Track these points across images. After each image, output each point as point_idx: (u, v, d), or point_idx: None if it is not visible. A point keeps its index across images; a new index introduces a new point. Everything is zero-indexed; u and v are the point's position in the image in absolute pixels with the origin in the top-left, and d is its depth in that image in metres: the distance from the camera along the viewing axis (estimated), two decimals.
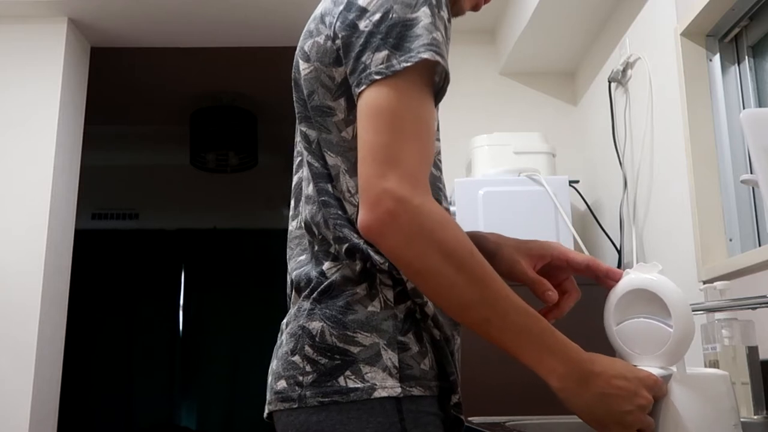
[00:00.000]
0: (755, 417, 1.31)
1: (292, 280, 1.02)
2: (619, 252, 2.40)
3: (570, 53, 2.86)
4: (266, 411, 0.98)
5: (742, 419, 1.03)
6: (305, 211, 1.00)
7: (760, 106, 1.83)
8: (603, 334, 0.97)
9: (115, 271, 5.28)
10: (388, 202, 0.83)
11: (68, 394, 4.21)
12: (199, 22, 3.11)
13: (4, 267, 2.86)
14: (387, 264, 0.91)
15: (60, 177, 3.02)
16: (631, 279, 0.95)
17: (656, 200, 2.16)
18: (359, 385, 0.88)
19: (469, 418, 1.55)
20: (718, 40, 1.92)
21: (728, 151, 1.86)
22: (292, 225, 1.06)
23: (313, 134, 0.99)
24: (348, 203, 0.95)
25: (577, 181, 2.59)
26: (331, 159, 0.96)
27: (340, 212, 0.95)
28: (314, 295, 0.94)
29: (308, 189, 1.00)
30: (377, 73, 0.88)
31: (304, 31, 1.03)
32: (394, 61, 0.87)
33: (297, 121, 1.04)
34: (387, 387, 0.89)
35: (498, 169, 2.47)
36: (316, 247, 0.98)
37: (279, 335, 1.00)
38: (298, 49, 1.03)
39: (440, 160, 1.05)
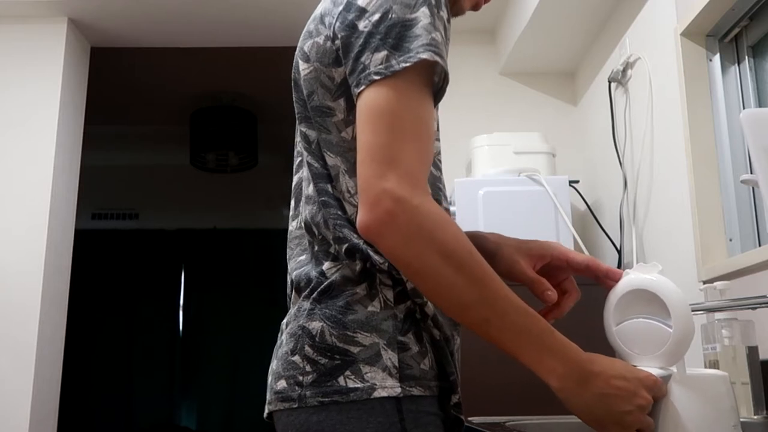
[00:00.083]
0: (755, 417, 1.31)
1: (292, 280, 1.02)
2: (619, 252, 2.40)
3: (570, 53, 2.86)
4: (266, 411, 0.98)
5: (742, 419, 1.03)
6: (305, 211, 1.00)
7: (760, 106, 1.83)
8: (603, 334, 0.97)
9: (115, 271, 5.28)
10: (387, 203, 0.83)
11: (68, 394, 4.21)
12: (199, 22, 3.11)
13: (4, 267, 2.86)
14: (387, 264, 0.91)
15: (60, 177, 3.02)
16: (630, 279, 0.95)
17: (656, 200, 2.16)
18: (359, 385, 0.89)
19: (469, 418, 1.55)
20: (718, 40, 1.92)
21: (728, 151, 1.86)
22: (292, 225, 1.06)
23: (312, 134, 0.99)
24: (348, 203, 0.95)
25: (577, 181, 2.59)
26: (331, 159, 0.96)
27: (339, 212, 0.95)
28: (314, 295, 0.94)
29: (308, 189, 1.00)
30: (376, 74, 0.88)
31: (303, 31, 1.03)
32: (393, 62, 0.87)
33: (297, 121, 1.04)
34: (387, 387, 0.89)
35: (498, 169, 2.48)
36: (316, 248, 0.98)
37: (279, 335, 1.00)
38: (297, 49, 1.03)
39: (440, 160, 1.05)
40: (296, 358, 0.93)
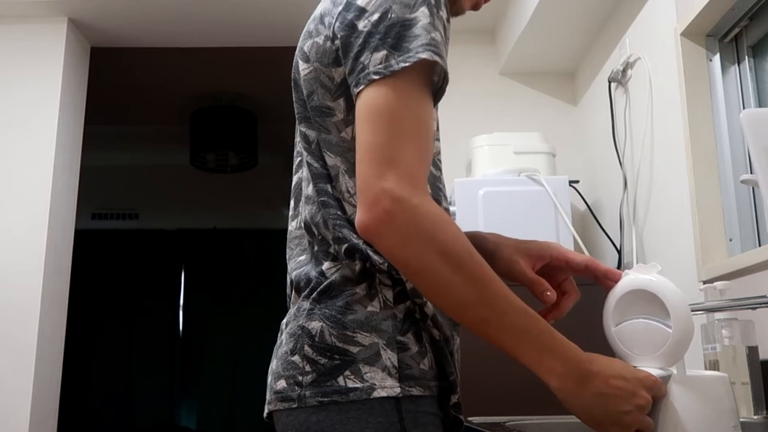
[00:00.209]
0: (755, 417, 1.31)
1: (291, 280, 1.02)
2: (619, 252, 2.40)
3: (570, 53, 2.86)
4: (266, 411, 0.98)
5: (741, 419, 1.03)
6: (305, 211, 1.00)
7: (760, 106, 1.83)
8: (602, 334, 0.97)
9: (115, 271, 5.28)
10: (386, 202, 0.83)
11: (68, 394, 4.22)
12: (199, 22, 3.11)
13: (4, 267, 2.86)
14: (386, 264, 0.91)
15: (60, 177, 3.02)
16: (630, 279, 0.95)
17: (656, 200, 2.16)
18: (359, 384, 0.89)
19: (469, 418, 1.55)
20: (718, 40, 1.92)
21: (728, 151, 1.86)
22: (292, 225, 1.06)
23: (312, 134, 0.99)
24: (347, 203, 0.95)
25: (577, 181, 2.59)
26: (331, 159, 0.96)
27: (339, 212, 0.95)
28: (314, 295, 0.94)
29: (308, 189, 1.00)
30: (375, 73, 0.88)
31: (303, 31, 1.03)
32: (393, 61, 0.87)
33: (297, 121, 1.04)
34: (386, 387, 0.89)
35: (498, 169, 2.47)
36: (316, 248, 0.98)
37: (279, 335, 1.00)
38: (297, 49, 1.03)
39: (440, 160, 1.05)
40: (296, 358, 0.93)
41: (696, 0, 1.87)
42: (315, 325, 0.92)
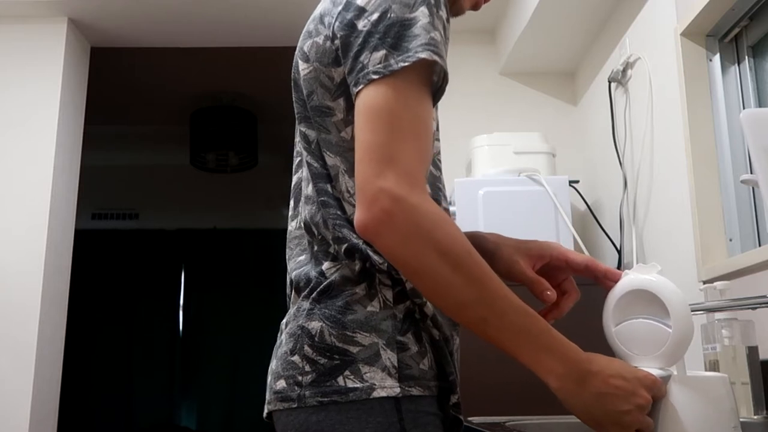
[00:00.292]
0: (755, 417, 1.31)
1: (291, 280, 1.02)
2: (619, 252, 2.40)
3: (570, 53, 2.86)
4: (266, 411, 0.98)
5: (741, 419, 1.03)
6: (304, 211, 1.00)
7: (760, 106, 1.83)
8: (602, 334, 0.97)
9: (115, 271, 5.28)
10: (385, 201, 0.83)
11: (68, 394, 4.22)
12: (199, 22, 3.11)
13: (4, 267, 2.86)
14: (386, 264, 0.91)
15: (60, 177, 3.02)
16: (629, 279, 0.95)
17: (656, 200, 2.16)
18: (358, 384, 0.88)
19: (469, 418, 1.55)
20: (718, 40, 1.92)
21: (728, 151, 1.86)
22: (292, 225, 1.06)
23: (312, 134, 0.99)
24: (347, 203, 0.95)
25: (577, 181, 2.59)
26: (331, 159, 0.96)
27: (339, 212, 0.95)
28: (313, 295, 0.94)
29: (307, 189, 1.00)
30: (375, 73, 0.88)
31: (303, 31, 1.03)
32: (392, 61, 0.87)
33: (296, 121, 1.04)
34: (386, 387, 0.89)
35: (498, 169, 2.47)
36: (316, 248, 0.98)
37: (278, 335, 1.00)
38: (297, 49, 1.03)
39: (440, 160, 1.05)
40: (295, 358, 0.93)
41: (696, 0, 1.87)
42: (315, 325, 0.92)
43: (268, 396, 0.97)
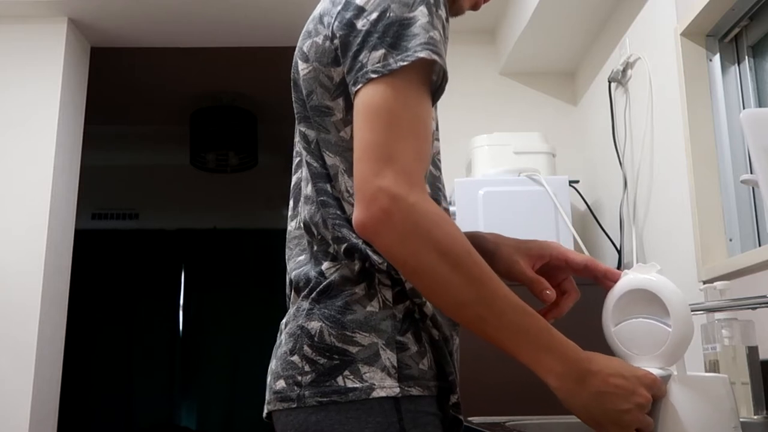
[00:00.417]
0: (755, 417, 1.31)
1: (291, 280, 1.01)
2: (619, 252, 2.40)
3: (570, 53, 2.86)
4: (265, 411, 0.98)
5: (742, 419, 1.03)
6: (304, 211, 1.00)
7: (760, 106, 1.83)
8: (602, 334, 0.97)
9: (115, 271, 5.28)
10: (383, 200, 0.83)
11: (68, 394, 4.22)
12: (199, 22, 3.11)
13: (4, 267, 2.86)
14: (386, 264, 0.91)
15: (60, 177, 3.02)
16: (629, 279, 0.95)
17: (656, 200, 2.16)
18: (358, 384, 0.88)
19: (469, 418, 1.55)
20: (718, 40, 1.92)
21: (728, 151, 1.86)
22: (291, 225, 1.06)
23: (312, 134, 0.99)
24: (347, 203, 0.95)
25: (577, 181, 2.59)
26: (330, 159, 0.96)
27: (338, 212, 0.95)
28: (313, 295, 0.94)
29: (307, 189, 1.00)
30: (374, 72, 0.88)
31: (302, 31, 1.03)
32: (391, 60, 0.87)
33: (296, 121, 1.04)
34: (386, 387, 0.88)
35: (498, 169, 2.47)
36: (315, 247, 0.98)
37: (278, 335, 1.00)
38: (297, 49, 1.03)
39: (440, 160, 1.05)
40: (295, 358, 0.93)
41: (696, 0, 1.87)
42: (314, 325, 0.92)
43: (267, 396, 0.97)
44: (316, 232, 0.97)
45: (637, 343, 0.92)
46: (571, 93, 3.02)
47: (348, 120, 0.95)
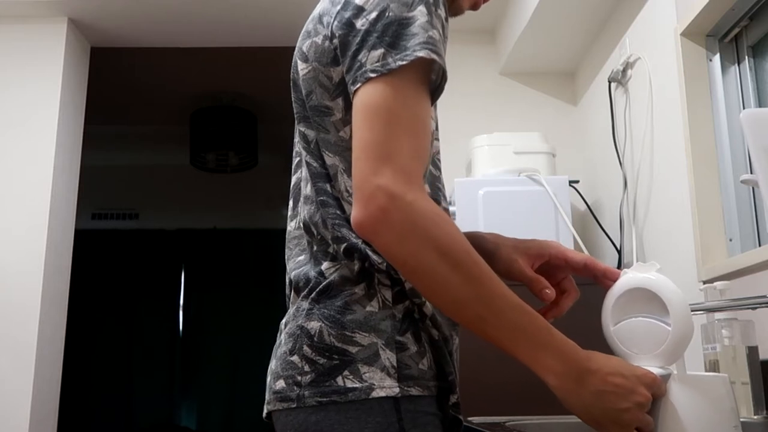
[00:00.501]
0: (755, 417, 1.31)
1: (290, 280, 1.01)
2: (619, 252, 2.40)
3: (570, 53, 2.86)
4: (265, 411, 0.98)
5: (742, 419, 1.03)
6: (304, 211, 1.00)
7: (760, 106, 1.83)
8: (602, 333, 0.97)
9: (115, 271, 5.28)
10: (381, 199, 0.83)
11: (68, 394, 4.21)
12: (199, 22, 3.11)
13: (4, 267, 2.86)
14: (385, 264, 0.91)
15: (60, 177, 3.02)
16: (629, 278, 0.95)
17: (656, 200, 2.16)
18: (357, 384, 0.88)
19: (469, 418, 1.55)
20: (718, 40, 1.92)
21: (728, 151, 1.86)
22: (291, 225, 1.05)
23: (311, 134, 0.99)
24: (346, 203, 0.95)
25: (577, 181, 2.59)
26: (330, 159, 0.96)
27: (338, 212, 0.95)
28: (313, 295, 0.94)
29: (307, 189, 1.00)
30: (373, 71, 0.88)
31: (302, 31, 1.03)
32: (390, 59, 0.87)
33: (296, 121, 1.04)
34: (385, 387, 0.88)
35: (498, 169, 2.47)
36: (315, 247, 0.98)
37: (278, 335, 1.00)
38: (296, 49, 1.03)
39: (439, 160, 1.05)
40: (295, 358, 0.92)
41: (696, 0, 1.87)
42: (314, 325, 0.92)
43: (267, 396, 0.97)
44: (315, 232, 0.97)
45: (636, 342, 0.92)
46: (571, 93, 3.02)
47: (347, 120, 0.95)
